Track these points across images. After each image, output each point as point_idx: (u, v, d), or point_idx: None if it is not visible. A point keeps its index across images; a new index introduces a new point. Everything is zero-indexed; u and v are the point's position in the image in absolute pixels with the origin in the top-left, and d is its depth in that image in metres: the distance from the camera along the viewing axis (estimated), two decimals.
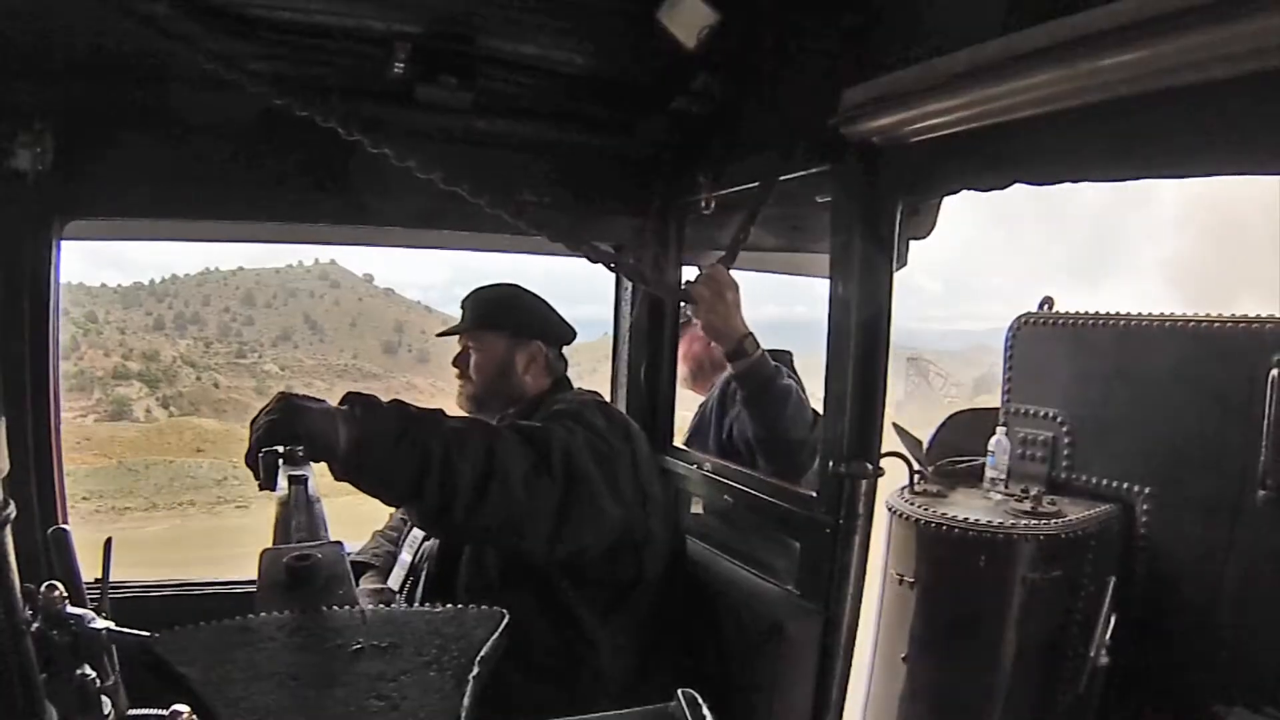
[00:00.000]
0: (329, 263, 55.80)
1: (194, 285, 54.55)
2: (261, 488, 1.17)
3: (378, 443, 1.34)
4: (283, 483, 1.10)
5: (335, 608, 0.74)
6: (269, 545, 0.91)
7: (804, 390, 2.40)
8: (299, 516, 1.00)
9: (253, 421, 1.30)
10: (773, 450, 2.12)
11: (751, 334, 1.95)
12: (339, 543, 0.89)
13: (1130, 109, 1.13)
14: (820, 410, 2.11)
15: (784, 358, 2.47)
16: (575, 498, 1.51)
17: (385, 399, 1.47)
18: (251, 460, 1.23)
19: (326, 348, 51.19)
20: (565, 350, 2.02)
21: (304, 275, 55.98)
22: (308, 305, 54.21)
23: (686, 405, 2.64)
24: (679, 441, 2.39)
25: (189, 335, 49.82)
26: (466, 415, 1.60)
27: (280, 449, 1.18)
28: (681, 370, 2.43)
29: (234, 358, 48.41)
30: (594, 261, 1.95)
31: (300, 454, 1.17)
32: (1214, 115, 1.07)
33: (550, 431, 1.56)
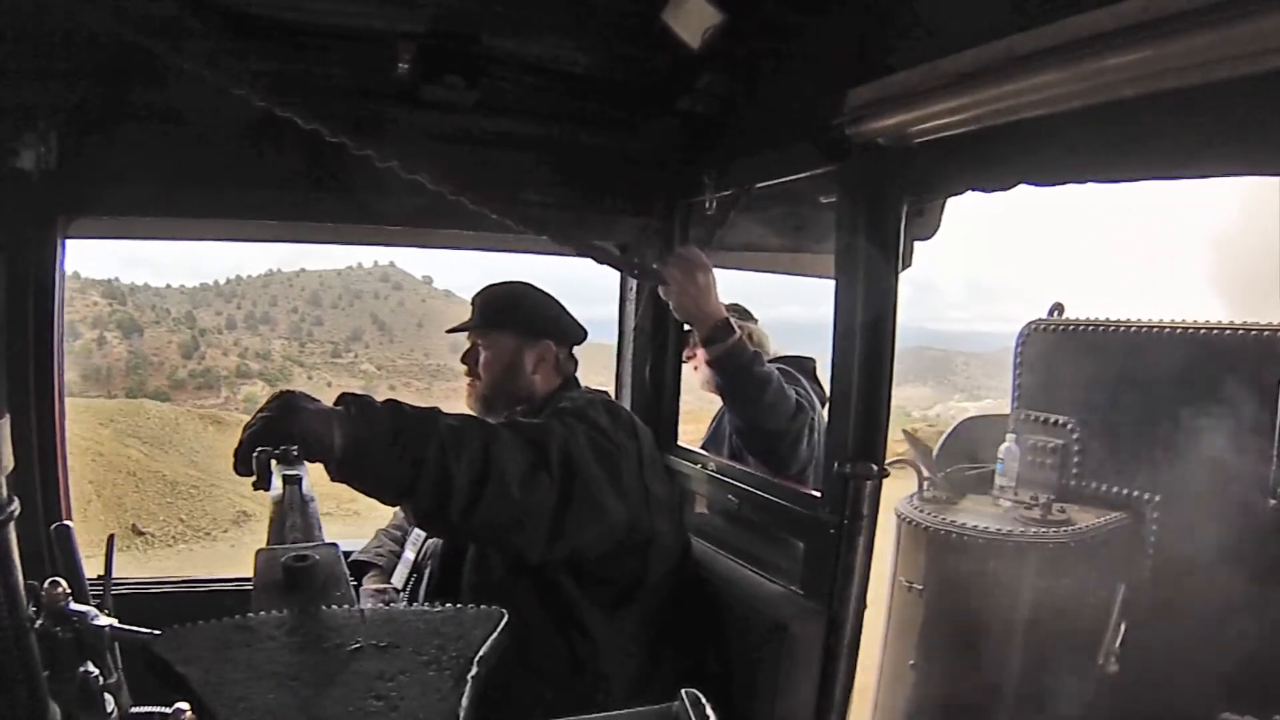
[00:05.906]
0: (389, 265, 56.66)
1: (259, 286, 55.00)
2: (255, 487, 1.14)
3: (372, 445, 1.32)
4: (277, 483, 1.09)
5: (334, 607, 0.73)
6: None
7: (823, 399, 2.36)
8: (293, 517, 0.99)
9: (250, 421, 1.28)
10: (753, 441, 2.08)
11: (728, 318, 1.90)
12: (334, 544, 0.88)
13: (1135, 110, 1.13)
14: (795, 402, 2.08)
15: (806, 365, 2.43)
16: (574, 495, 1.49)
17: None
18: (245, 459, 1.18)
19: (400, 348, 51.40)
20: (589, 352, 1.99)
21: (365, 277, 56.54)
22: (373, 306, 54.85)
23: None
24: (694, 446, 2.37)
25: (261, 334, 50.22)
26: (465, 414, 1.59)
27: (273, 449, 1.15)
28: (705, 373, 2.39)
29: (330, 357, 49.06)
30: (598, 261, 1.95)
31: (295, 454, 1.15)
32: (1219, 116, 1.07)
33: (549, 429, 1.54)
